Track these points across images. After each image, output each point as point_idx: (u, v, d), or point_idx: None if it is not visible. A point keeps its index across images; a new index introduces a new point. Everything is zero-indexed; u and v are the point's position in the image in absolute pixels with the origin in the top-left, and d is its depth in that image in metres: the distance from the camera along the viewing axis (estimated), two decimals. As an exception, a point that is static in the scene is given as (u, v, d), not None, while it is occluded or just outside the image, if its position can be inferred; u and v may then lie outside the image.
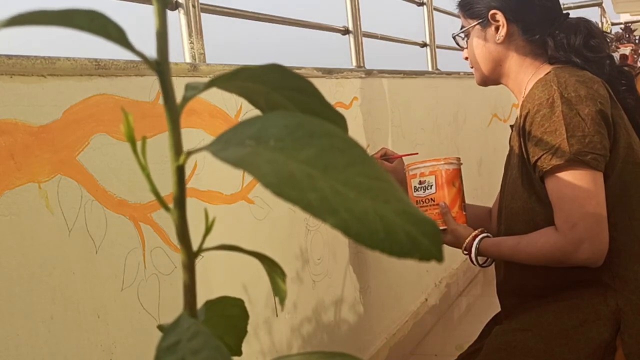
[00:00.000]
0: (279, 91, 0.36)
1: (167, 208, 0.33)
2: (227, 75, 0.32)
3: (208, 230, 0.37)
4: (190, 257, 0.36)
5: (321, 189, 0.28)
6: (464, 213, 1.46)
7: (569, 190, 1.17)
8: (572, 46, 1.29)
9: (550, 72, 1.26)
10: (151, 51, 0.34)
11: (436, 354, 2.27)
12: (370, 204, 0.30)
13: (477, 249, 1.36)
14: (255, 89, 0.35)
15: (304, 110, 0.37)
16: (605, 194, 1.18)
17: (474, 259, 1.39)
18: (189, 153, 0.30)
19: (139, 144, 0.30)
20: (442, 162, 1.46)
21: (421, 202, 1.45)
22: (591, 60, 1.29)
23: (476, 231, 1.39)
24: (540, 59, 1.33)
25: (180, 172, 0.30)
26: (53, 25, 0.28)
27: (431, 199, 1.44)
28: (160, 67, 0.29)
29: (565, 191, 1.17)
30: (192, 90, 0.31)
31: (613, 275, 1.22)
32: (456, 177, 1.46)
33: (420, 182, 1.45)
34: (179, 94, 0.34)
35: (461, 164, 1.49)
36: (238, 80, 0.33)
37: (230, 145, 0.28)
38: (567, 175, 1.17)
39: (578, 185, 1.16)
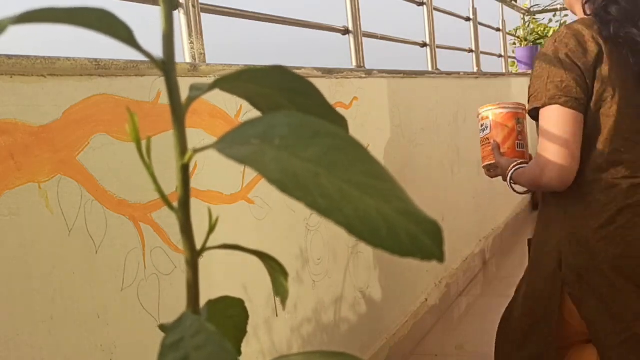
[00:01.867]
0: (282, 94, 0.36)
1: (171, 207, 0.33)
2: (230, 76, 0.32)
3: (212, 228, 0.36)
4: (194, 255, 0.36)
5: (326, 187, 0.28)
6: (519, 150, 1.63)
7: (545, 124, 1.40)
8: (592, 5, 1.46)
9: (578, 19, 1.46)
10: (151, 51, 0.34)
11: (436, 354, 2.27)
12: (373, 203, 0.30)
13: (511, 177, 1.56)
14: (258, 91, 0.35)
15: (306, 114, 0.37)
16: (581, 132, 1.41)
17: (509, 186, 1.58)
18: (195, 151, 0.30)
19: (143, 143, 0.30)
20: (496, 107, 1.65)
21: (482, 142, 1.67)
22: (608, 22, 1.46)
23: (515, 162, 1.57)
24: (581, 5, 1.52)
25: (185, 170, 0.30)
26: (61, 24, 0.28)
27: (487, 138, 1.66)
28: (167, 67, 0.29)
29: (543, 125, 1.40)
30: (197, 91, 0.31)
31: (565, 210, 1.45)
32: (510, 119, 1.64)
33: (481, 125, 1.68)
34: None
35: (522, 108, 1.65)
36: (241, 81, 0.33)
37: (235, 144, 0.28)
38: (545, 113, 1.39)
39: (552, 121, 1.38)
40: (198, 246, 0.38)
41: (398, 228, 0.29)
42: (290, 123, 0.29)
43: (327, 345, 1.76)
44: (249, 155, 0.27)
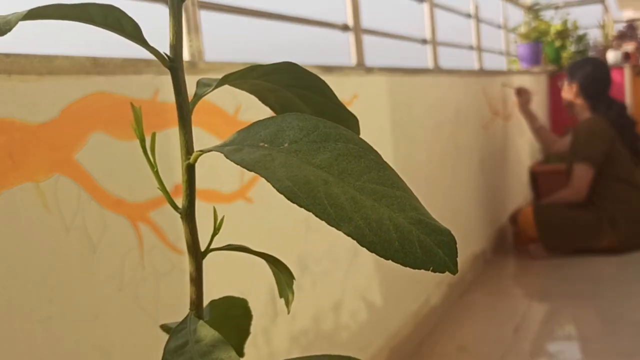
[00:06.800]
0: (290, 89, 0.35)
1: (175, 207, 0.31)
2: (239, 72, 0.31)
3: (217, 230, 0.35)
4: (198, 257, 0.34)
5: (337, 196, 0.26)
6: None
7: None
8: None
9: None
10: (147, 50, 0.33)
11: (437, 355, 2.26)
12: (386, 212, 0.29)
13: None
14: (267, 87, 0.34)
15: (315, 110, 0.35)
16: None
17: None
18: (201, 152, 0.28)
19: (146, 141, 0.29)
20: None
21: None
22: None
23: None
24: None
25: (190, 170, 0.29)
26: (68, 19, 0.27)
27: None
28: (174, 64, 0.28)
29: None
30: (204, 88, 0.30)
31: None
32: None
33: None
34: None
35: None
36: (250, 78, 0.32)
37: (244, 147, 0.26)
38: None
39: None
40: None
41: (411, 239, 0.28)
42: (302, 126, 0.27)
43: (326, 346, 1.75)
44: (257, 160, 0.25)
